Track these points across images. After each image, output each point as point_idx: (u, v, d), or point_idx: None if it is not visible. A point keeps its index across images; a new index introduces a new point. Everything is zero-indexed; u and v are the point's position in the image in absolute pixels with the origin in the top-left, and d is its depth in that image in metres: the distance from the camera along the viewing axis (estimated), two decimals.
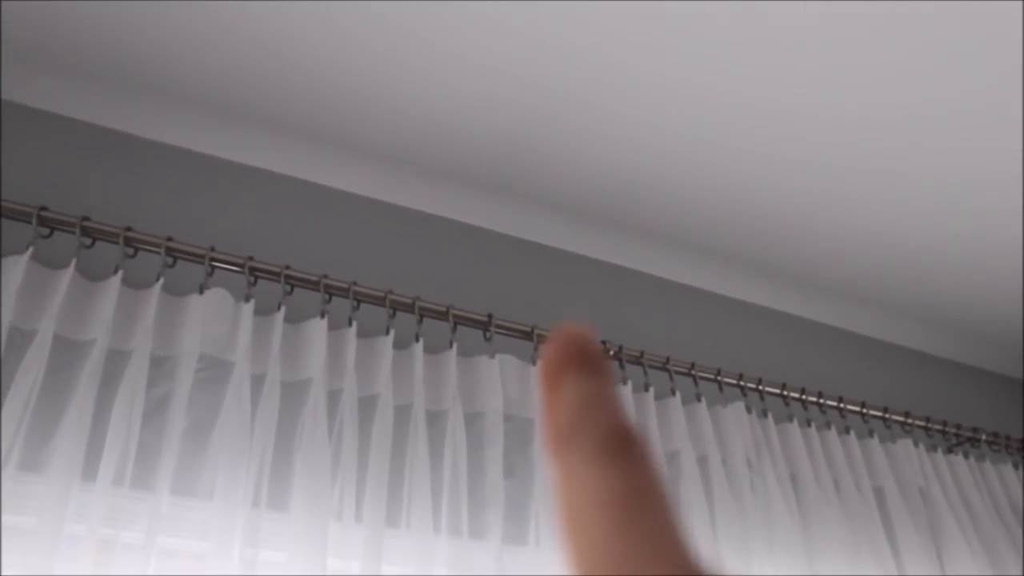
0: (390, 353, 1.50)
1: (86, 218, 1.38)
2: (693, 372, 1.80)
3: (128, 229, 1.40)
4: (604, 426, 0.19)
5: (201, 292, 1.40)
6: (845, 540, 1.73)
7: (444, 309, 1.61)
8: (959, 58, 1.59)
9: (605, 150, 1.79)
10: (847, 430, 1.91)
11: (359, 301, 1.55)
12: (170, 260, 1.49)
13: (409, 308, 1.58)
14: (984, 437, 2.14)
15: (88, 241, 1.45)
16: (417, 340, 1.54)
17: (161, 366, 1.35)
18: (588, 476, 0.18)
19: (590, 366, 0.20)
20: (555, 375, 0.20)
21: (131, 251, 1.48)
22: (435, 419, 1.52)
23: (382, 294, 1.56)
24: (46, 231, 1.42)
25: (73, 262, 1.34)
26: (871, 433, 1.95)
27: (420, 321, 1.57)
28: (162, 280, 1.38)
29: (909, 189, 1.88)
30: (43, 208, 1.36)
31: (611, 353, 1.74)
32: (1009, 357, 2.52)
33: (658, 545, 0.16)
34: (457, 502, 1.41)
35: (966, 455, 2.08)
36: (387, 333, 1.52)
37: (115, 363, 1.34)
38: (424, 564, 1.33)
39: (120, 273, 1.35)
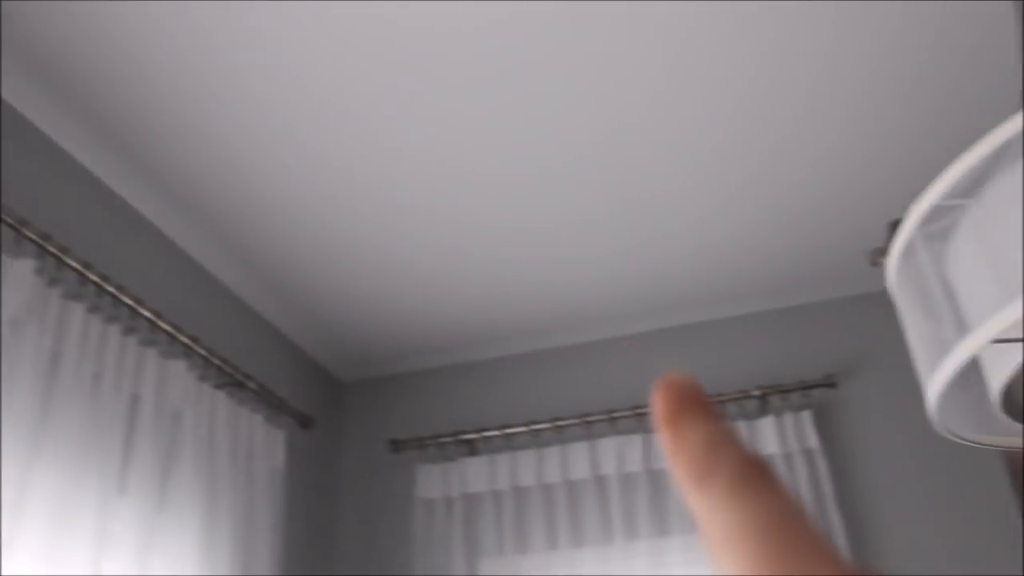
0: None
1: None
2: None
3: None
4: (735, 460, 0.20)
5: None
6: (83, 438, 1.61)
7: None
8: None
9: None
10: (126, 329, 1.81)
11: None
12: None
13: None
14: (252, 385, 2.23)
15: None
16: None
17: None
18: (732, 507, 0.19)
19: (705, 409, 0.21)
20: (676, 420, 0.21)
21: None
22: None
23: None
24: None
25: None
26: (152, 343, 1.88)
27: None
28: None
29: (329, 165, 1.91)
30: None
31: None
32: (297, 324, 2.70)
33: (815, 559, 0.18)
34: None
35: (229, 395, 2.13)
36: None
37: None
38: None
39: None
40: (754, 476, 0.20)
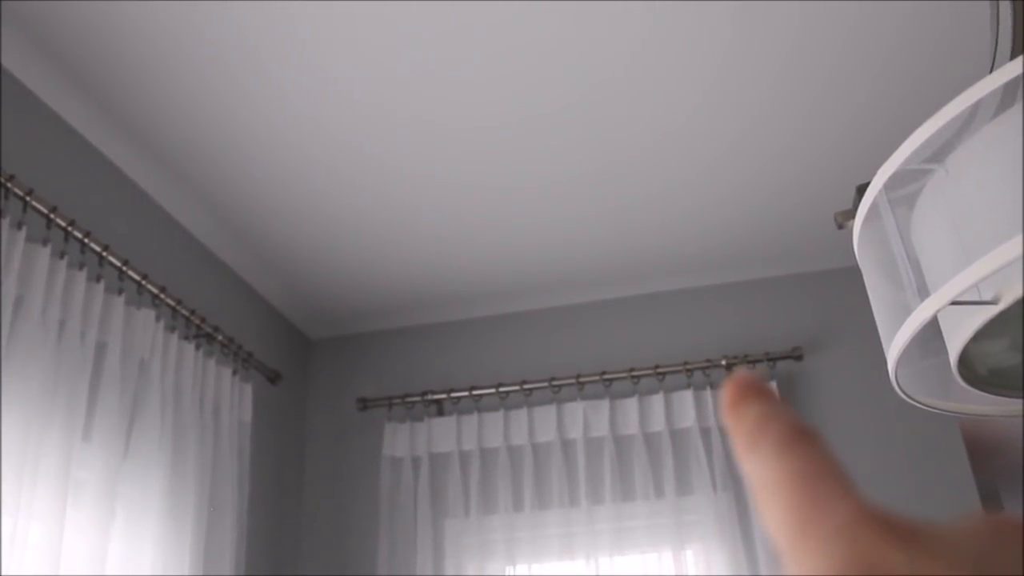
0: None
1: None
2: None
3: None
4: (778, 429, 0.24)
5: None
6: (47, 384, 1.60)
7: None
8: None
9: None
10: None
11: None
12: None
13: None
14: (220, 337, 2.22)
15: None
16: None
17: None
18: (770, 466, 0.23)
19: (762, 394, 0.25)
20: (737, 404, 0.25)
21: None
22: None
23: None
24: None
25: None
26: (120, 291, 1.87)
27: None
28: None
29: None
30: None
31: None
32: (273, 284, 2.68)
33: (840, 503, 0.21)
34: None
35: (197, 347, 2.12)
36: None
37: None
38: None
39: None
40: (793, 441, 0.23)
